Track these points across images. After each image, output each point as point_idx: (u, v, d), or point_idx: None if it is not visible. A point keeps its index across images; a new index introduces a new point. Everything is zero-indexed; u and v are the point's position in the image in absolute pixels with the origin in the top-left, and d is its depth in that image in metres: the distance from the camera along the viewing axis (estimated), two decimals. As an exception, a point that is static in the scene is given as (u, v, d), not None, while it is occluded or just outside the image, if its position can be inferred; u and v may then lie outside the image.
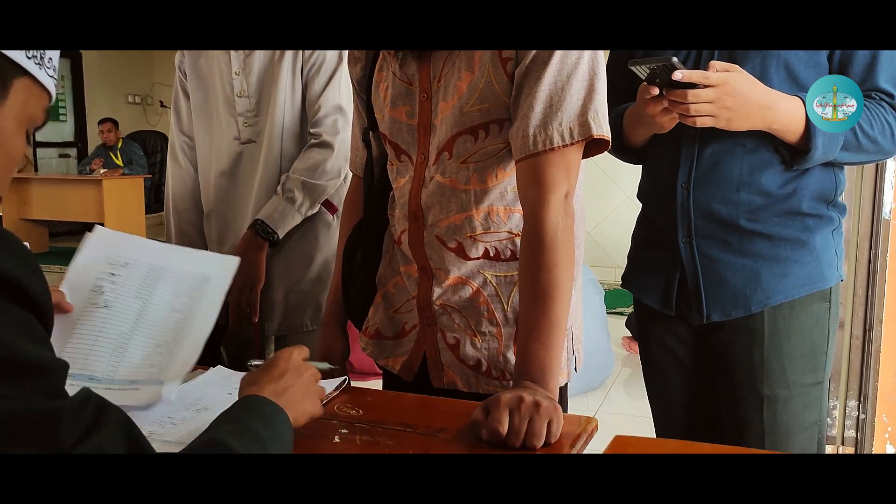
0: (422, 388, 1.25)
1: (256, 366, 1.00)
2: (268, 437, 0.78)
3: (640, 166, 1.53)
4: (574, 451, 0.96)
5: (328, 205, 1.81)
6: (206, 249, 1.86)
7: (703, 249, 1.38)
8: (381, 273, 1.35)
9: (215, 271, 1.16)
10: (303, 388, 0.93)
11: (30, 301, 0.63)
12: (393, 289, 1.33)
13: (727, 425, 1.42)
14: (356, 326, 1.40)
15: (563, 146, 1.10)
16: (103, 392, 0.99)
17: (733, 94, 1.22)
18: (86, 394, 0.64)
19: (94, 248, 1.13)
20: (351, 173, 1.45)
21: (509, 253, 1.21)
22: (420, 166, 1.22)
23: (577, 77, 1.10)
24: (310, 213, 1.74)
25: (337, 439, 1.00)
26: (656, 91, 1.25)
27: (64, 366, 0.64)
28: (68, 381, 0.90)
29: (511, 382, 1.21)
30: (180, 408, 1.06)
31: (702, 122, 1.24)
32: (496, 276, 1.22)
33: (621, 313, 4.95)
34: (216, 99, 1.76)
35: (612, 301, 4.79)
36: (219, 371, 1.22)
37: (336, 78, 1.76)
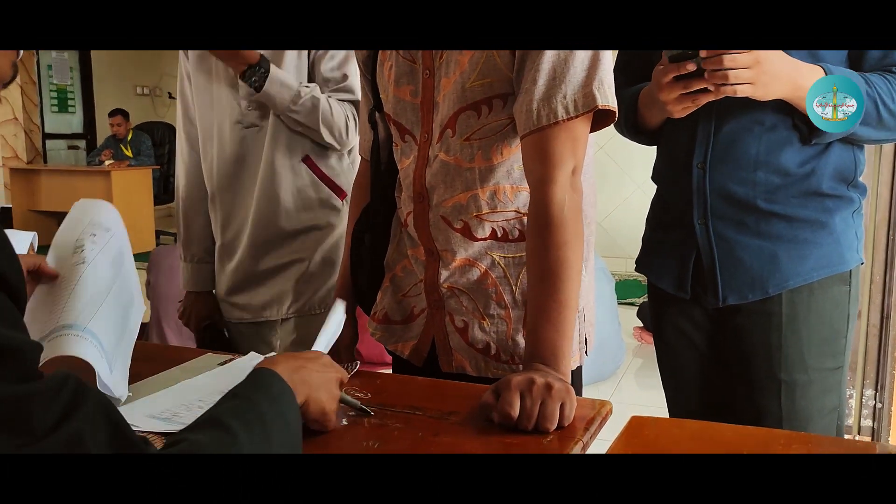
0: (431, 373, 1.23)
1: None
2: (271, 416, 0.75)
3: (651, 154, 1.51)
4: (588, 435, 0.93)
5: (337, 189, 1.79)
6: (212, 235, 1.85)
7: (719, 231, 1.35)
8: (389, 257, 1.33)
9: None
10: (322, 378, 0.90)
11: (1, 279, 0.60)
12: (401, 272, 1.30)
13: (743, 411, 1.39)
14: (364, 311, 1.38)
15: (568, 119, 1.06)
16: (77, 339, 0.94)
17: (767, 59, 1.19)
18: (63, 376, 0.60)
19: (77, 214, 1.14)
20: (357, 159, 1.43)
21: (517, 233, 1.18)
22: (424, 145, 1.20)
23: None
24: (287, 115, 1.70)
25: (345, 422, 0.97)
26: (680, 71, 1.21)
27: (36, 348, 0.61)
28: (60, 333, 0.86)
29: (520, 366, 1.18)
30: (213, 392, 1.04)
31: (742, 91, 1.20)
32: (504, 257, 1.19)
33: (632, 303, 4.92)
34: (219, 81, 1.74)
35: (623, 291, 4.76)
36: (253, 358, 1.21)
37: (351, 57, 1.75)
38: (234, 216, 1.78)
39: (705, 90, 1.22)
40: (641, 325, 4.39)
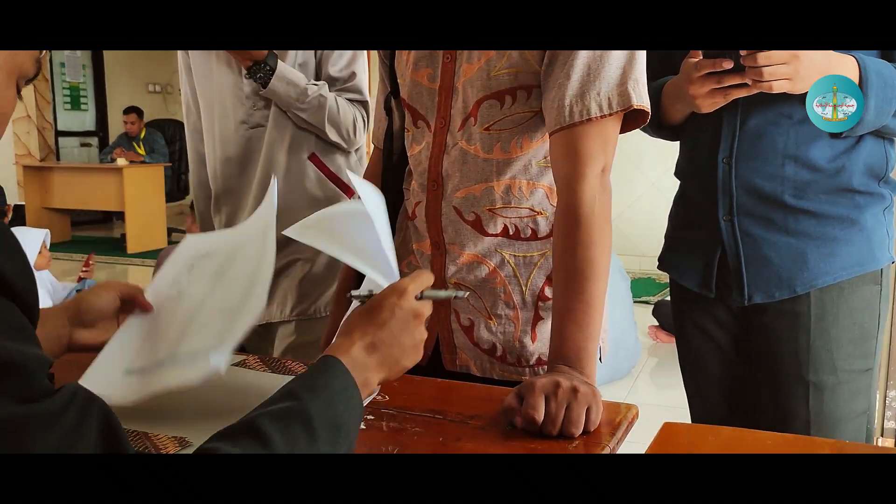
0: (434, 372, 1.19)
1: (359, 298, 0.86)
2: (321, 423, 0.69)
3: (664, 151, 1.47)
4: (615, 440, 0.90)
5: (344, 187, 1.76)
6: None
7: (745, 228, 1.31)
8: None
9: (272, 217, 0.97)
10: (404, 342, 0.81)
11: (6, 287, 0.55)
12: (406, 269, 1.27)
13: (769, 414, 1.36)
14: None
15: (601, 117, 1.04)
16: (168, 370, 0.88)
17: (803, 53, 1.16)
18: (70, 393, 0.56)
19: (177, 253, 1.05)
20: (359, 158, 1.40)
21: (530, 232, 1.16)
22: (440, 132, 1.17)
23: None
24: (293, 113, 1.66)
25: (362, 426, 0.94)
26: (716, 68, 1.18)
27: (43, 362, 0.56)
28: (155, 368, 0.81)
29: (527, 370, 1.17)
30: None
31: (778, 87, 1.18)
32: (515, 256, 1.16)
33: (646, 302, 4.88)
34: (222, 81, 1.71)
35: (637, 289, 4.72)
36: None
37: (359, 56, 1.72)
38: (237, 217, 1.74)
39: (740, 85, 1.19)
40: (657, 323, 4.35)
